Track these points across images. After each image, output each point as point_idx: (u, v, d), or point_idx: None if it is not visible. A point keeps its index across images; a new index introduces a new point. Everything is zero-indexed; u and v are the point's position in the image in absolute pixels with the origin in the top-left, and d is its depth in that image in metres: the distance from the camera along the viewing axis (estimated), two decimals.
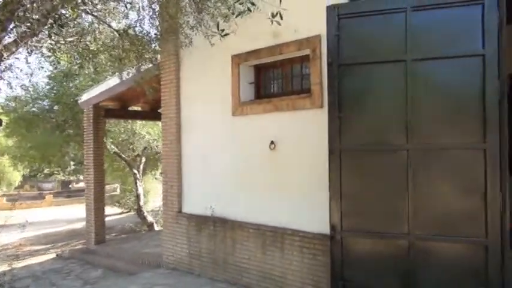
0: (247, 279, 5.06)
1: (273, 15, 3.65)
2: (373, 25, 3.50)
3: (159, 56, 6.03)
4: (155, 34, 5.39)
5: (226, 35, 4.12)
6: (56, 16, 3.88)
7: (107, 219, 9.17)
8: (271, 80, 5.42)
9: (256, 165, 5.04)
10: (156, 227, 11.64)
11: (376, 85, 3.49)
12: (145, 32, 5.33)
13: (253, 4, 3.81)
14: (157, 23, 5.20)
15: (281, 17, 3.64)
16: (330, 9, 3.56)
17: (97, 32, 5.01)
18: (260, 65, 5.35)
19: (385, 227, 3.45)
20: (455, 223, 3.27)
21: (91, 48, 5.10)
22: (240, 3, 3.84)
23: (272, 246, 4.78)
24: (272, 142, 4.82)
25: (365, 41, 3.54)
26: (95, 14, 4.69)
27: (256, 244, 4.96)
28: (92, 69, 6.45)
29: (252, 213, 5.05)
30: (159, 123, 6.80)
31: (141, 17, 5.10)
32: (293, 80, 5.07)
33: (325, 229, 3.72)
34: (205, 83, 5.71)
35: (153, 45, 5.50)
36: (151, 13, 5.08)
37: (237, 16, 3.92)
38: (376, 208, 3.49)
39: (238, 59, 5.24)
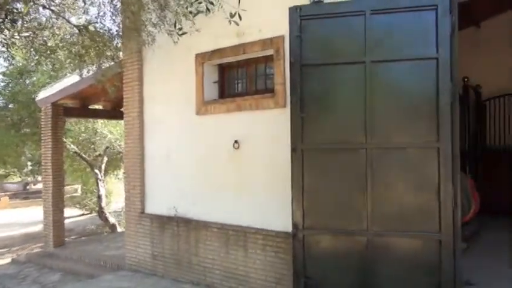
0: (210, 279, 5.04)
1: (232, 15, 3.66)
2: (334, 27, 3.59)
3: (121, 53, 5.89)
4: (117, 31, 5.26)
5: (184, 33, 4.10)
6: (8, 10, 3.71)
7: (66, 221, 8.87)
8: (235, 79, 5.43)
9: (220, 164, 5.03)
10: (119, 229, 11.38)
11: (337, 86, 3.58)
12: (106, 28, 5.20)
13: (212, 4, 3.80)
14: (119, 19, 5.08)
15: (240, 18, 3.66)
16: (293, 10, 3.61)
17: (55, 27, 4.84)
18: (224, 64, 5.35)
19: (345, 224, 3.54)
20: (411, 219, 3.40)
21: (49, 44, 4.91)
22: (199, 2, 3.82)
23: (236, 245, 4.79)
24: (236, 141, 4.83)
25: (326, 43, 3.62)
26: (53, 8, 4.52)
27: (220, 243, 4.95)
28: (50, 66, 6.22)
29: (216, 213, 5.04)
30: (122, 122, 6.66)
31: (101, 12, 4.96)
32: (257, 79, 5.10)
33: (288, 227, 3.77)
34: (169, 81, 5.65)
35: (115, 42, 5.37)
36: (112, 9, 4.96)
37: (194, 15, 3.91)
38: (337, 206, 3.58)
39: (202, 58, 5.22)
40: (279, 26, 4.27)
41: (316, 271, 3.61)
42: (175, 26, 4.06)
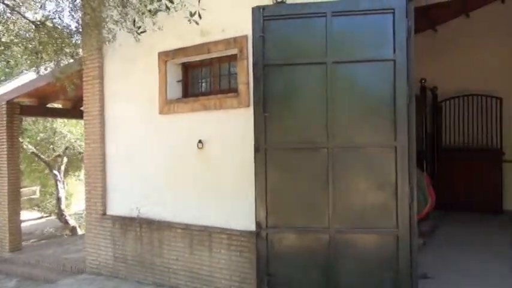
0: (175, 280, 4.99)
1: (191, 15, 3.64)
2: (297, 28, 3.64)
3: (80, 50, 5.72)
4: (76, 27, 5.09)
5: (143, 32, 4.04)
6: None
7: (24, 224, 8.53)
8: (199, 78, 5.40)
9: (184, 164, 4.99)
10: (79, 231, 11.05)
11: (299, 86, 3.63)
12: (65, 24, 5.03)
13: (171, 2, 3.77)
14: (78, 15, 4.93)
15: (200, 17, 3.65)
16: (255, 10, 3.63)
17: (9, 22, 4.63)
18: (188, 63, 5.31)
19: (307, 222, 3.60)
20: (370, 216, 3.51)
21: (3, 40, 4.70)
22: (159, 0, 3.78)
23: (200, 246, 4.77)
24: (200, 141, 4.81)
25: (289, 43, 3.66)
26: (7, 2, 4.33)
27: (184, 244, 4.91)
28: (4, 63, 5.94)
29: (180, 213, 5.00)
30: (82, 121, 6.46)
31: (60, 8, 4.80)
32: (221, 79, 5.09)
33: (253, 226, 3.78)
34: (132, 80, 5.53)
35: (74, 39, 5.20)
36: (71, 5, 4.81)
37: (154, 14, 3.86)
38: (300, 204, 3.63)
39: (165, 57, 5.15)
40: (243, 26, 4.29)
41: (279, 269, 3.65)
42: (134, 24, 3.98)
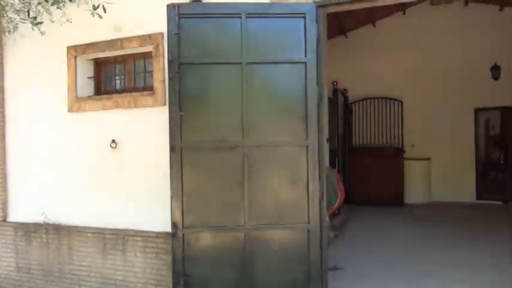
0: (86, 287, 4.72)
1: (94, 8, 3.49)
2: (213, 27, 3.65)
3: None
4: None
5: (39, 23, 3.77)
6: None
7: None
8: (113, 75, 5.16)
9: (96, 165, 4.73)
10: None
11: (215, 85, 3.65)
12: None
13: None
14: None
15: (104, 10, 3.51)
16: (171, 7, 3.58)
17: None
18: (100, 59, 5.04)
19: (224, 220, 3.63)
20: (284, 212, 3.64)
21: None
22: None
23: (113, 250, 4.56)
24: (113, 141, 4.60)
25: (205, 42, 3.66)
26: None
27: (96, 249, 4.66)
28: None
29: (92, 217, 4.73)
30: None
31: None
32: (136, 76, 4.92)
33: (169, 227, 3.72)
34: (37, 75, 5.10)
35: None
36: None
37: (52, 4, 3.62)
38: (216, 203, 3.65)
39: (74, 51, 4.84)
40: (159, 23, 4.16)
41: (196, 269, 3.64)
42: (28, 15, 3.69)
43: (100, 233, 4.64)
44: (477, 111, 9.58)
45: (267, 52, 3.62)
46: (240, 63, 3.56)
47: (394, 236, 6.53)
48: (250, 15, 3.55)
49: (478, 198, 9.46)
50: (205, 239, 3.67)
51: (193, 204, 3.62)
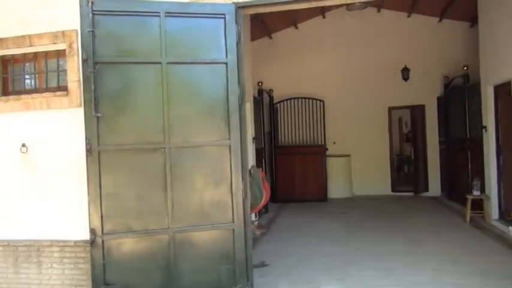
0: None
1: None
2: (131, 25, 3.53)
3: None
4: None
5: None
6: None
7: None
8: (22, 74, 4.77)
9: (4, 171, 4.35)
10: None
11: (134, 85, 3.53)
12: None
13: None
14: None
15: None
16: (84, 3, 3.40)
17: None
18: (7, 57, 4.64)
19: (147, 224, 3.53)
20: (209, 212, 3.63)
21: None
22: None
23: (27, 263, 4.22)
24: (24, 145, 4.26)
25: (122, 40, 3.53)
26: None
27: (7, 263, 4.28)
28: None
29: (2, 229, 4.34)
30: None
31: None
32: (49, 76, 4.59)
33: (87, 235, 3.53)
34: None
35: None
36: None
37: None
38: (139, 207, 3.54)
39: None
40: (73, 19, 3.93)
41: (118, 276, 3.49)
42: None
43: (11, 246, 4.27)
44: (390, 109, 10.32)
45: (188, 52, 3.59)
46: (160, 63, 3.49)
47: (318, 230, 6.82)
48: (169, 15, 3.49)
49: (393, 190, 10.21)
50: (128, 245, 3.54)
51: (114, 209, 3.47)
